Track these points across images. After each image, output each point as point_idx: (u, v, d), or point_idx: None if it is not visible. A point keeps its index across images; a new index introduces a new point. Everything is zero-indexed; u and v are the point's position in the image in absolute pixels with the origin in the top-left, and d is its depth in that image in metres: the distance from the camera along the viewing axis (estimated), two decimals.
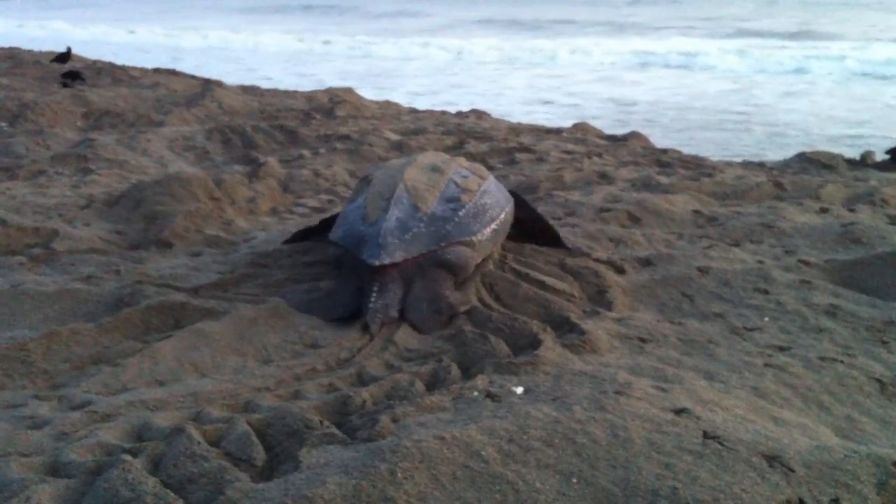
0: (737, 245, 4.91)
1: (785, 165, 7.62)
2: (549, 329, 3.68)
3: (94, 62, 17.27)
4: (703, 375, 3.26)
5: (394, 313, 3.95)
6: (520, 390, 3.08)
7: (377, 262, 3.89)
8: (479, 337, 3.63)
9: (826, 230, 5.01)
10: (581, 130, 9.43)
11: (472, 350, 3.56)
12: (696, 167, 7.31)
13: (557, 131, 9.47)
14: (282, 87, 14.48)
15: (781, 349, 3.56)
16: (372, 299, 3.93)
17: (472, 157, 7.24)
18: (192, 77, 15.33)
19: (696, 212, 5.60)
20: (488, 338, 3.60)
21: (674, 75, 19.11)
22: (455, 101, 13.42)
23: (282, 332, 3.82)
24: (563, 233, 5.02)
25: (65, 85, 13.09)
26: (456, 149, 8.24)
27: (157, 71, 16.16)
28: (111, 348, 3.67)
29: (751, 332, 3.75)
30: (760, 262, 4.56)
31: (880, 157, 7.75)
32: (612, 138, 9.07)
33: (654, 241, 5.02)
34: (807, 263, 4.48)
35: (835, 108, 13.70)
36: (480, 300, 4.10)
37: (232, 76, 16.58)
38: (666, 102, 14.74)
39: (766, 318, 3.89)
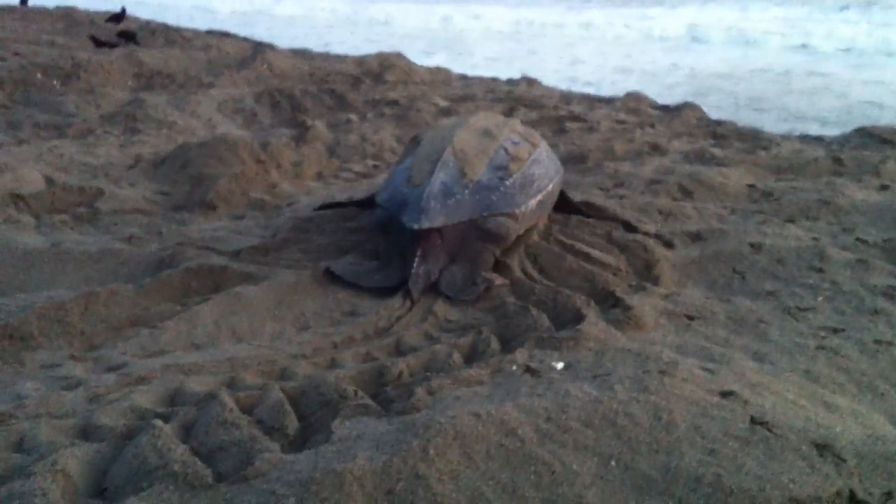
0: (792, 221, 4.72)
1: (844, 140, 7.35)
2: (593, 304, 3.58)
3: (148, 23, 17.35)
4: (751, 356, 3.14)
5: (435, 280, 3.89)
6: (560, 366, 3.00)
7: (416, 226, 3.81)
8: (521, 310, 3.54)
9: (886, 208, 4.80)
10: (634, 100, 9.21)
11: (513, 323, 3.47)
12: (752, 140, 7.08)
13: (609, 100, 9.27)
14: (335, 52, 14.38)
15: (835, 331, 3.41)
16: (414, 265, 3.86)
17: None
18: (245, 39, 15.33)
19: (751, 186, 5.40)
20: (530, 311, 3.51)
21: (736, 47, 18.61)
22: (528, 69, 12.99)
23: (321, 300, 3.77)
24: (611, 204, 4.90)
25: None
26: (505, 116, 8.10)
27: (209, 33, 16.18)
28: (150, 310, 3.65)
29: (804, 313, 3.60)
30: (816, 239, 4.37)
31: None
32: (666, 108, 8.86)
33: (705, 216, 4.86)
34: (864, 242, 4.29)
35: None
36: (524, 272, 4.00)
37: (284, 41, 16.47)
38: (727, 74, 14.33)
39: (821, 298, 3.73)
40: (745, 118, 8.97)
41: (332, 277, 3.92)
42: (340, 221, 4.72)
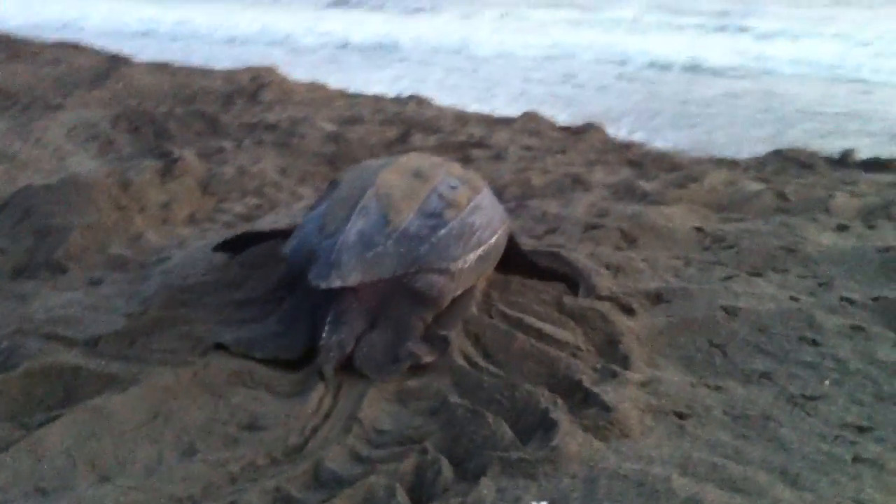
0: (759, 275, 4.06)
1: (761, 164, 6.86)
2: (559, 401, 2.84)
3: None
4: (780, 478, 2.45)
5: (349, 351, 3.15)
6: None
7: (325, 285, 3.10)
8: (472, 414, 2.78)
9: (856, 256, 4.18)
10: (532, 121, 8.52)
11: (464, 433, 2.71)
12: (673, 168, 6.49)
13: (507, 121, 8.57)
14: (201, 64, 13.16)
15: (862, 430, 2.76)
16: (324, 333, 3.12)
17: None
18: (97, 52, 13.99)
19: (699, 229, 4.72)
20: (484, 416, 2.75)
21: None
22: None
23: (209, 407, 2.92)
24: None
25: None
26: (399, 142, 7.31)
27: (59, 45, 14.75)
28: None
29: (814, 403, 2.93)
30: (794, 299, 3.72)
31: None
32: (567, 130, 8.22)
33: (659, 269, 4.16)
34: (851, 302, 3.67)
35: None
36: (465, 357, 3.20)
37: (145, 53, 15.11)
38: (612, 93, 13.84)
39: (827, 382, 3.08)
40: (646, 137, 8.41)
41: (219, 373, 3.06)
42: (227, 291, 3.81)
